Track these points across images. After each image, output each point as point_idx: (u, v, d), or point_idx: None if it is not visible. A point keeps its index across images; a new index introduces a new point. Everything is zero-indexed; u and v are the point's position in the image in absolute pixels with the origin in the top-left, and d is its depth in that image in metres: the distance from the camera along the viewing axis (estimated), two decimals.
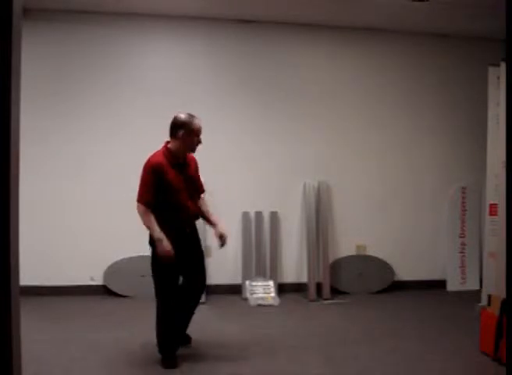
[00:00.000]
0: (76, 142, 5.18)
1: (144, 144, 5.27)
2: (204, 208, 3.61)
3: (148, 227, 3.29)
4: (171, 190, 3.33)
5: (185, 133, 3.35)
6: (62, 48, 5.15)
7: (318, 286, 5.28)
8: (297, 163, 5.49)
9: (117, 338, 3.85)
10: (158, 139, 5.29)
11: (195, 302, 3.50)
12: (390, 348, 3.72)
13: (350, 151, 5.62)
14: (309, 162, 5.52)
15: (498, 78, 4.57)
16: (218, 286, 5.21)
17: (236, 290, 5.23)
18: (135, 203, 5.21)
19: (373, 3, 4.82)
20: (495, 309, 3.48)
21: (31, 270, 4.50)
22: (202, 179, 3.71)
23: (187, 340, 3.69)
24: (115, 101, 5.24)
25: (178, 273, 3.40)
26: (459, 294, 5.47)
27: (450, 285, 5.65)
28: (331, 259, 5.46)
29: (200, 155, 5.26)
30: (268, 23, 5.39)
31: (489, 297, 3.71)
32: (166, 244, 3.22)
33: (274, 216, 5.42)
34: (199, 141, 3.42)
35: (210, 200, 3.84)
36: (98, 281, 5.18)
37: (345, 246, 5.57)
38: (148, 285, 5.13)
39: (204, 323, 4.40)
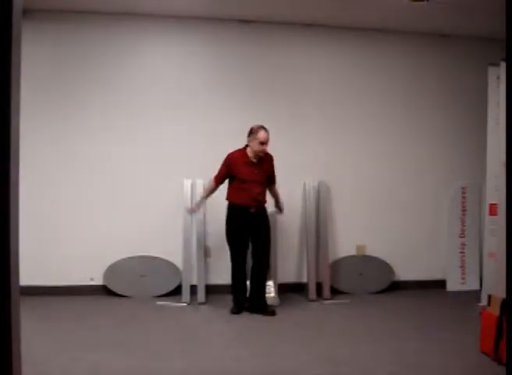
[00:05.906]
0: (76, 142, 5.18)
1: (142, 144, 5.32)
2: (273, 193, 4.85)
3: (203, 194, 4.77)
4: (241, 177, 4.53)
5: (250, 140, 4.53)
6: (62, 48, 5.15)
7: (318, 286, 5.27)
8: (297, 163, 5.49)
9: (117, 338, 3.85)
10: (157, 139, 5.35)
11: (255, 276, 4.67)
12: (390, 347, 3.72)
13: (350, 151, 5.62)
14: (309, 162, 5.52)
15: (498, 78, 4.58)
16: (218, 286, 5.21)
17: None
18: (134, 203, 5.30)
19: (373, 3, 4.82)
20: (495, 309, 3.48)
21: (31, 270, 4.52)
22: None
23: (265, 309, 4.60)
24: (114, 101, 5.24)
25: (243, 243, 4.63)
26: (459, 294, 5.47)
27: (450, 285, 5.65)
28: (331, 259, 5.46)
29: (199, 155, 5.34)
30: (268, 23, 5.39)
31: (489, 297, 3.71)
32: (194, 207, 4.82)
33: (274, 216, 5.40)
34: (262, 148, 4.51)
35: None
36: (98, 281, 5.18)
37: (345, 246, 5.57)
38: (148, 285, 5.20)
39: (205, 322, 4.41)
